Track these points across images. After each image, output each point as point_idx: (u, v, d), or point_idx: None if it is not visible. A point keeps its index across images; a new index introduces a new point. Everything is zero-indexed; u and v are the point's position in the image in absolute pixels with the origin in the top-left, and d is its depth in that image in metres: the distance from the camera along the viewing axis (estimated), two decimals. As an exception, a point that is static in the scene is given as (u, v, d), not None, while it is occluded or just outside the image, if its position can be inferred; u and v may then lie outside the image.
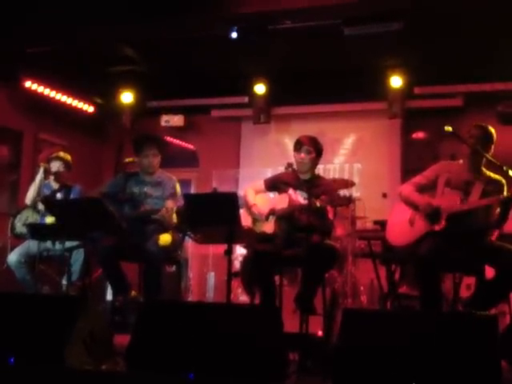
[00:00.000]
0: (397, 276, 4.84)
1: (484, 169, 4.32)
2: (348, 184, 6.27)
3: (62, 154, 5.93)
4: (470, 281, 4.92)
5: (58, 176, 5.77)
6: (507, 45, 6.16)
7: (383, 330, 3.18)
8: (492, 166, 4.26)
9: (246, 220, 4.53)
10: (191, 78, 7.42)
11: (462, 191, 4.21)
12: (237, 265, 6.50)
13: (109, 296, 6.01)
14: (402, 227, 4.33)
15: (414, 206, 4.31)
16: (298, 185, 4.56)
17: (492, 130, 4.29)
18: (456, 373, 2.95)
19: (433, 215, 4.18)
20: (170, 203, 4.85)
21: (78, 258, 5.43)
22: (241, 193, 4.80)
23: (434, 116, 7.49)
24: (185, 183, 7.56)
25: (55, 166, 5.76)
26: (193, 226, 4.54)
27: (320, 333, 4.51)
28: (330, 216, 4.48)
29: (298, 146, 4.60)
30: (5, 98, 7.41)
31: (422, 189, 4.38)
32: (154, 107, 8.42)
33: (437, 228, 4.14)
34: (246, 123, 8.58)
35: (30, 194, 5.74)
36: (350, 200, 4.24)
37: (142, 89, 8.05)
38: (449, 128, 4.23)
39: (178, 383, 3.20)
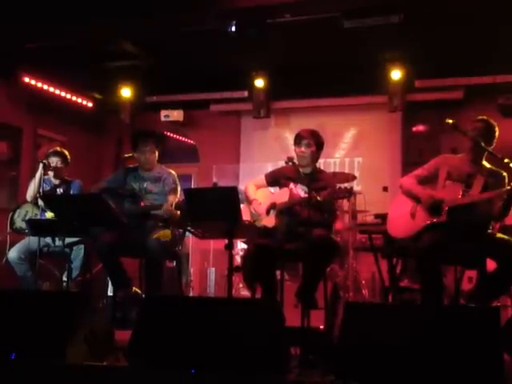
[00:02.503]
0: (398, 269, 4.83)
1: (485, 162, 4.31)
2: (349, 178, 6.27)
3: (59, 149, 5.94)
4: (471, 273, 4.92)
5: (56, 171, 5.77)
6: (508, 37, 6.13)
7: (385, 323, 3.18)
8: (493, 159, 4.25)
9: (246, 215, 4.52)
10: (190, 72, 7.40)
11: (463, 184, 4.20)
12: (238, 259, 6.50)
13: (110, 292, 6.00)
14: (403, 220, 4.32)
15: (415, 199, 4.30)
16: (299, 179, 4.55)
17: (494, 123, 4.28)
18: (458, 366, 2.94)
19: (434, 207, 4.17)
20: (172, 198, 4.84)
21: (78, 254, 5.44)
22: (241, 187, 4.79)
23: (434, 109, 7.49)
24: (185, 178, 7.57)
25: (53, 161, 5.76)
26: (193, 220, 4.52)
27: (322, 327, 4.50)
28: (333, 209, 4.47)
29: (298, 139, 4.58)
30: (4, 93, 7.39)
31: (422, 181, 4.37)
32: (154, 102, 8.40)
33: (438, 220, 4.13)
34: (246, 117, 8.56)
35: (31, 191, 5.74)
36: (350, 192, 4.22)
37: (141, 84, 8.03)
38: (450, 121, 4.22)
39: (179, 378, 3.19)
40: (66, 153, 5.90)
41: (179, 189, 5.07)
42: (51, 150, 5.92)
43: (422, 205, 4.24)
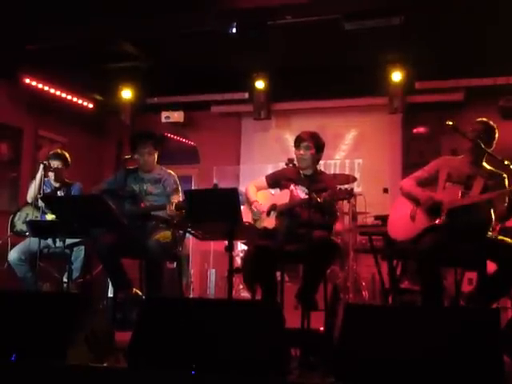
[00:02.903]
0: (398, 271, 4.83)
1: (485, 163, 4.32)
2: (349, 179, 6.27)
3: (59, 151, 5.95)
4: (471, 275, 4.92)
5: (57, 173, 5.78)
6: (509, 39, 6.13)
7: (385, 325, 3.18)
8: (493, 161, 4.25)
9: (247, 216, 4.51)
10: (191, 73, 7.40)
11: (463, 185, 4.21)
12: (238, 261, 6.50)
13: (110, 293, 6.00)
14: (404, 222, 4.32)
15: (415, 201, 4.31)
16: (299, 180, 4.55)
17: (494, 125, 4.29)
18: (458, 367, 2.94)
19: (434, 209, 4.17)
20: (175, 198, 4.84)
21: (78, 256, 5.44)
22: (242, 189, 4.79)
23: (434, 111, 7.50)
24: (185, 179, 7.57)
25: (54, 164, 5.77)
26: (194, 222, 4.52)
27: (322, 328, 4.50)
28: (334, 211, 4.47)
29: (298, 142, 4.58)
30: (4, 94, 7.40)
31: (422, 183, 4.38)
32: (154, 103, 8.41)
33: (438, 222, 4.14)
34: (247, 119, 8.57)
35: (31, 192, 5.74)
36: (351, 193, 4.22)
37: (141, 85, 8.04)
38: (450, 123, 4.22)
39: (179, 379, 3.19)
40: (67, 155, 5.91)
41: (180, 189, 5.07)
42: (52, 153, 5.93)
43: (421, 206, 4.24)
